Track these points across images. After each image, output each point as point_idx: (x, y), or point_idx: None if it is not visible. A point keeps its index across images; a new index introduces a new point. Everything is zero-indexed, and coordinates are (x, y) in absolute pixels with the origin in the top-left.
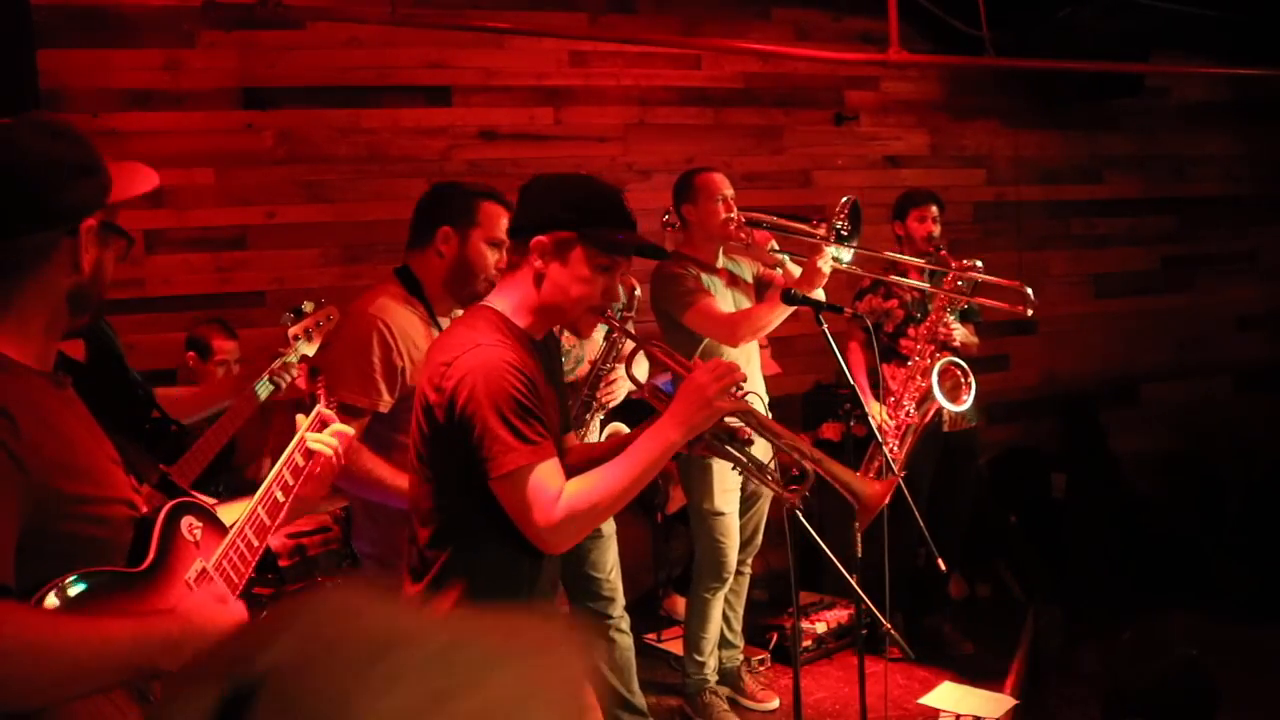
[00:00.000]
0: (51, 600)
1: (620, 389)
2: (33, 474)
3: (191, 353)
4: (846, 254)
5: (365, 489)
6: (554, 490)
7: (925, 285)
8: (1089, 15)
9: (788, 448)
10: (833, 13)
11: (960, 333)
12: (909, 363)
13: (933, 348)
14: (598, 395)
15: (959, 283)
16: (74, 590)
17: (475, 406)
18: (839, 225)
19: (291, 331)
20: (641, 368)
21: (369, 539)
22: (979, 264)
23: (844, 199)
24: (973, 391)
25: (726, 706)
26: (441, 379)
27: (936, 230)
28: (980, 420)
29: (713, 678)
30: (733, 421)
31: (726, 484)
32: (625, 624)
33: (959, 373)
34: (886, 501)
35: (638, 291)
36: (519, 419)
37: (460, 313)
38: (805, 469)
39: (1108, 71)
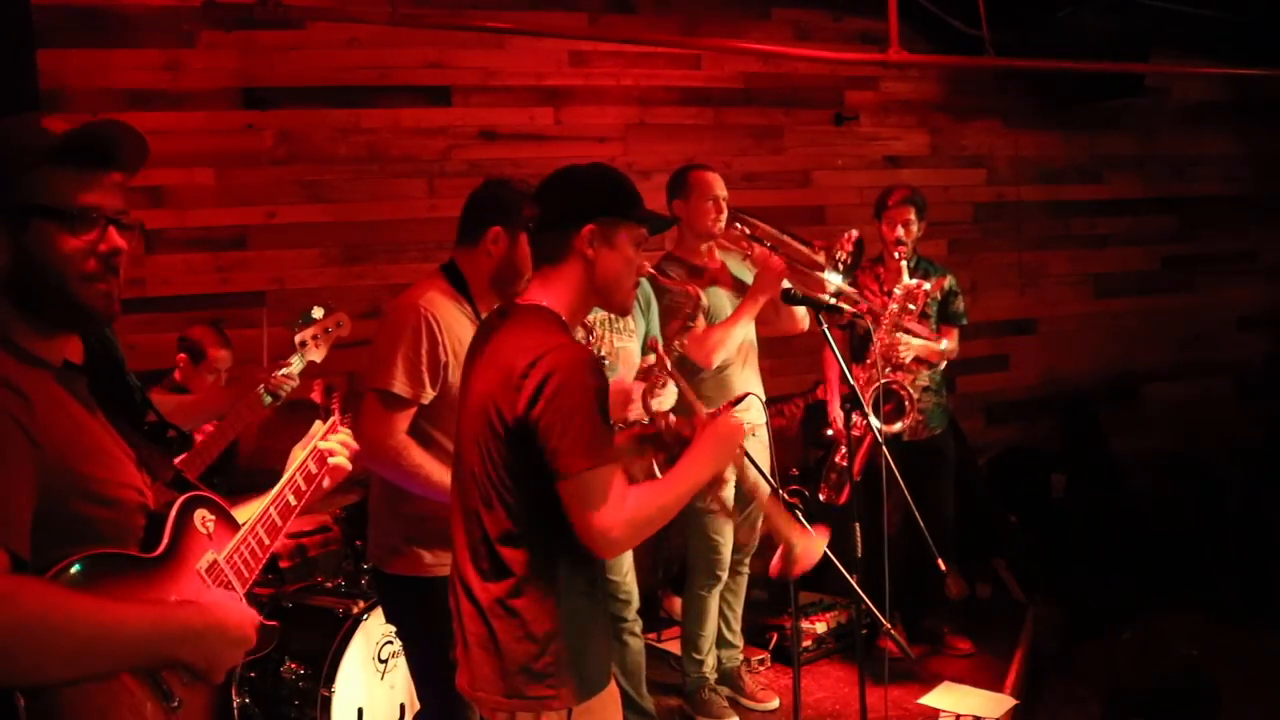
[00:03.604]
0: (66, 577)
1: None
2: (46, 451)
3: (183, 354)
4: (838, 278)
5: (410, 481)
6: (622, 495)
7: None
8: (1089, 15)
9: (764, 505)
10: (833, 13)
11: (917, 348)
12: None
13: (886, 365)
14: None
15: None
16: (89, 569)
17: (562, 402)
18: (840, 256)
19: (299, 337)
20: (669, 397)
21: (372, 544)
22: (926, 286)
23: (853, 233)
24: (910, 417)
25: (726, 705)
26: (524, 379)
27: (909, 234)
28: (943, 426)
29: (712, 676)
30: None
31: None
32: (638, 627)
33: (903, 394)
34: (815, 560)
35: (705, 302)
36: (600, 418)
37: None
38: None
39: (1108, 71)
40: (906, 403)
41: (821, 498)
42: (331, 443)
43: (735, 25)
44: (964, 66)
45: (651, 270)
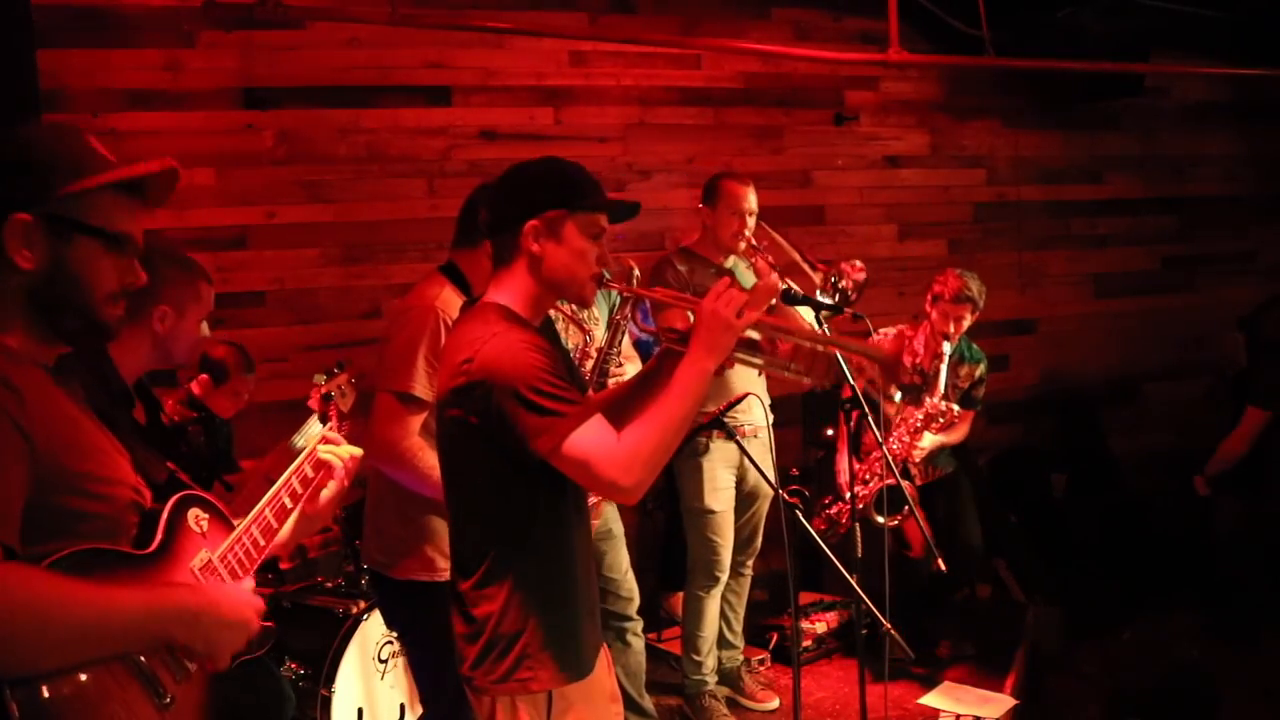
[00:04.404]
0: (58, 569)
1: (628, 371)
2: (38, 446)
3: (205, 374)
4: (824, 300)
5: (422, 484)
6: (612, 441)
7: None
8: (1089, 15)
9: (805, 339)
10: (833, 13)
11: (930, 445)
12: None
13: (897, 456)
14: (608, 382)
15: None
16: (80, 563)
17: (508, 391)
18: (842, 284)
19: (325, 389)
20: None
21: (374, 548)
22: (955, 408)
23: (859, 269)
24: (904, 515)
25: (725, 709)
26: (467, 377)
27: (959, 330)
28: (953, 465)
29: (711, 678)
30: (750, 333)
31: (718, 483)
32: (639, 628)
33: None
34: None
35: (636, 272)
36: (553, 388)
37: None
38: (826, 353)
39: (1108, 71)
40: (906, 506)
41: (816, 526)
42: (336, 449)
43: (735, 25)
44: (964, 66)
45: (605, 273)
